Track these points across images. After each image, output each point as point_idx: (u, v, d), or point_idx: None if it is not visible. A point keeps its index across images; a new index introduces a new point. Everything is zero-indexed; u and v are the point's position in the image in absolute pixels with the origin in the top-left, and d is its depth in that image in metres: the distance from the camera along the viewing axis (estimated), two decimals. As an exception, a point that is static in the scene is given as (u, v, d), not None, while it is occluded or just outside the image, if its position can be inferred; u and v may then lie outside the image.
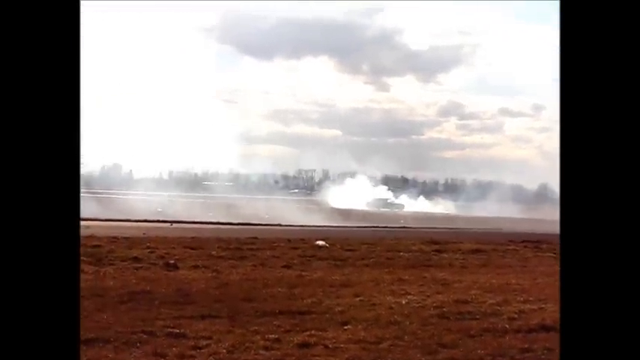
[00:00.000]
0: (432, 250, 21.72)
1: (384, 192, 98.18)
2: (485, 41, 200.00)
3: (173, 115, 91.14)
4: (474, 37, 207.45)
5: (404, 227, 38.87)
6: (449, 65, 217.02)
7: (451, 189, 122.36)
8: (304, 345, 8.15)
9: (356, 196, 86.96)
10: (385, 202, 79.87)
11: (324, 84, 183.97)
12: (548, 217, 58.43)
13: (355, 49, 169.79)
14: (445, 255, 20.60)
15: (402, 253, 20.48)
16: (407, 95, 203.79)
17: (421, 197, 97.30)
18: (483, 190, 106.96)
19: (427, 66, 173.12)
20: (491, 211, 65.97)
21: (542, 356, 8.06)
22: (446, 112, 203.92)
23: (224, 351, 7.73)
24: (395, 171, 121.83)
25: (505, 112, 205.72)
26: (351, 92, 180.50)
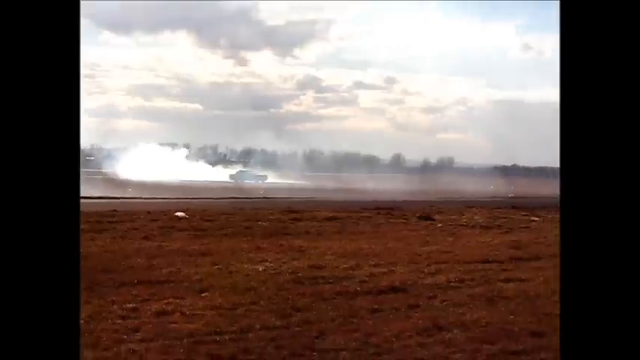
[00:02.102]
0: (290, 219, 22.17)
1: (244, 164, 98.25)
2: (339, 17, 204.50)
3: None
4: (327, 12, 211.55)
5: (264, 198, 39.19)
6: (305, 40, 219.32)
7: (310, 160, 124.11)
8: (161, 313, 8.24)
9: (215, 169, 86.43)
10: (248, 174, 79.69)
11: (183, 59, 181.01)
12: (401, 186, 60.95)
13: (213, 24, 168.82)
14: (302, 223, 21.10)
15: (260, 223, 20.78)
16: (265, 70, 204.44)
17: (280, 169, 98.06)
18: (340, 160, 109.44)
19: (284, 41, 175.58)
20: (349, 181, 67.63)
21: (391, 315, 8.55)
22: (303, 85, 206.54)
23: (81, 322, 7.66)
24: (255, 144, 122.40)
25: (359, 85, 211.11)
26: (211, 67, 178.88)
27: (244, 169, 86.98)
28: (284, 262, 12.55)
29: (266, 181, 72.20)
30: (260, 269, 11.67)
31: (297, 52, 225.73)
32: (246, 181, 70.75)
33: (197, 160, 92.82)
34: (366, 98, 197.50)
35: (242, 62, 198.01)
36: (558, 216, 26.57)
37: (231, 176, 77.65)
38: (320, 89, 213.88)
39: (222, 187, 52.62)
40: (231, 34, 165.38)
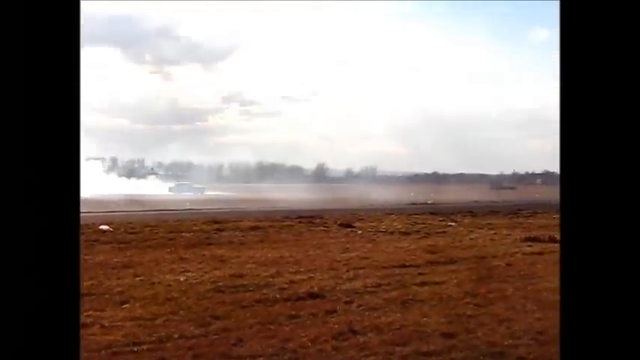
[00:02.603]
0: (213, 230, 22.20)
1: (176, 177, 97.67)
2: (262, 30, 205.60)
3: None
4: (250, 26, 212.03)
5: (189, 209, 38.95)
6: (229, 54, 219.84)
7: (236, 172, 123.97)
8: (81, 326, 8.22)
9: (144, 182, 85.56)
10: (187, 187, 79.17)
11: (110, 74, 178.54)
12: (323, 195, 61.48)
13: (139, 40, 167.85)
14: (225, 233, 21.18)
15: (183, 234, 20.76)
16: (190, 84, 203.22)
17: (208, 180, 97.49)
18: (265, 171, 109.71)
19: (208, 55, 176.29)
20: (273, 191, 67.84)
21: (308, 321, 8.78)
22: (228, 98, 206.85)
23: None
24: (182, 157, 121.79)
25: (284, 97, 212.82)
26: (137, 82, 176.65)
27: (184, 182, 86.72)
28: (206, 272, 12.65)
29: (194, 193, 71.93)
30: (182, 279, 11.75)
31: (221, 65, 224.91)
32: (185, 193, 70.33)
33: (123, 174, 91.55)
34: (290, 110, 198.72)
35: (167, 77, 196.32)
36: (473, 220, 27.30)
37: (171, 189, 77.16)
38: (244, 102, 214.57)
39: (155, 200, 51.90)
40: (157, 49, 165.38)
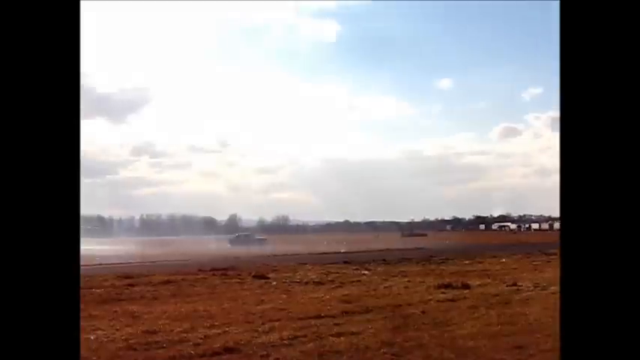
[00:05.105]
0: (124, 285, 21.59)
1: (85, 231, 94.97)
2: (171, 83, 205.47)
3: None
4: (159, 79, 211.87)
5: (99, 264, 37.77)
6: (138, 106, 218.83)
7: (147, 224, 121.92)
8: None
9: None
10: (246, 238, 77.62)
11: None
12: (237, 246, 60.98)
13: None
14: (137, 288, 20.63)
15: (93, 290, 20.08)
16: (99, 137, 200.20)
17: (117, 234, 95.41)
18: (177, 224, 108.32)
19: (117, 108, 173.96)
20: (185, 244, 66.89)
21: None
22: (138, 151, 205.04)
23: None
24: (92, 210, 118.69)
25: (194, 149, 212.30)
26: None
27: (244, 233, 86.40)
28: (117, 329, 12.26)
29: (105, 247, 70.01)
30: (92, 338, 11.33)
31: (130, 118, 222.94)
32: (243, 246, 68.72)
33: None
34: (200, 161, 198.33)
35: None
36: (387, 268, 27.67)
37: (231, 241, 75.41)
38: (155, 154, 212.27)
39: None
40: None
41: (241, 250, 53.73)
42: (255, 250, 55.13)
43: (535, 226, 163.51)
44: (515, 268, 27.23)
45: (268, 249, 57.27)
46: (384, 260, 34.54)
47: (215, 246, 65.17)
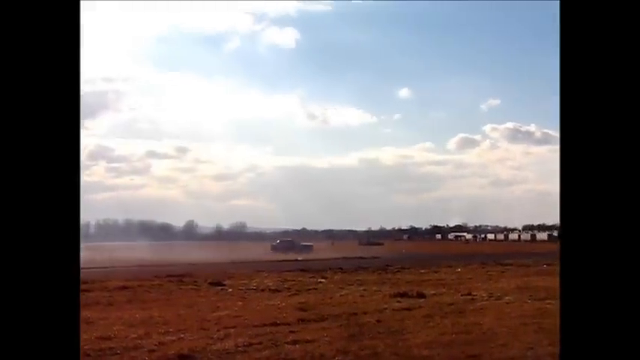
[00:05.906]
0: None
1: None
2: (129, 88, 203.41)
3: None
4: (117, 84, 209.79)
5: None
6: (95, 111, 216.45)
7: (104, 230, 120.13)
8: None
9: None
10: (290, 244, 75.92)
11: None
12: (194, 252, 60.54)
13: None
14: (92, 294, 20.31)
15: (44, 295, 19.82)
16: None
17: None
18: (134, 229, 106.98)
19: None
20: (142, 249, 66.10)
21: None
22: (95, 156, 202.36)
23: None
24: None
25: (151, 154, 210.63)
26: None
27: (287, 239, 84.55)
28: (70, 336, 12.12)
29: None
30: (43, 344, 11.22)
31: (87, 123, 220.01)
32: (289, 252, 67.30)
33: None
34: (158, 167, 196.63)
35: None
36: (343, 276, 27.77)
37: (273, 247, 74.16)
38: (112, 159, 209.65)
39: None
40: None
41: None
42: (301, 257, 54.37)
43: (491, 236, 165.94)
44: (470, 278, 27.50)
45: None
46: (341, 269, 34.61)
47: (172, 251, 64.52)
